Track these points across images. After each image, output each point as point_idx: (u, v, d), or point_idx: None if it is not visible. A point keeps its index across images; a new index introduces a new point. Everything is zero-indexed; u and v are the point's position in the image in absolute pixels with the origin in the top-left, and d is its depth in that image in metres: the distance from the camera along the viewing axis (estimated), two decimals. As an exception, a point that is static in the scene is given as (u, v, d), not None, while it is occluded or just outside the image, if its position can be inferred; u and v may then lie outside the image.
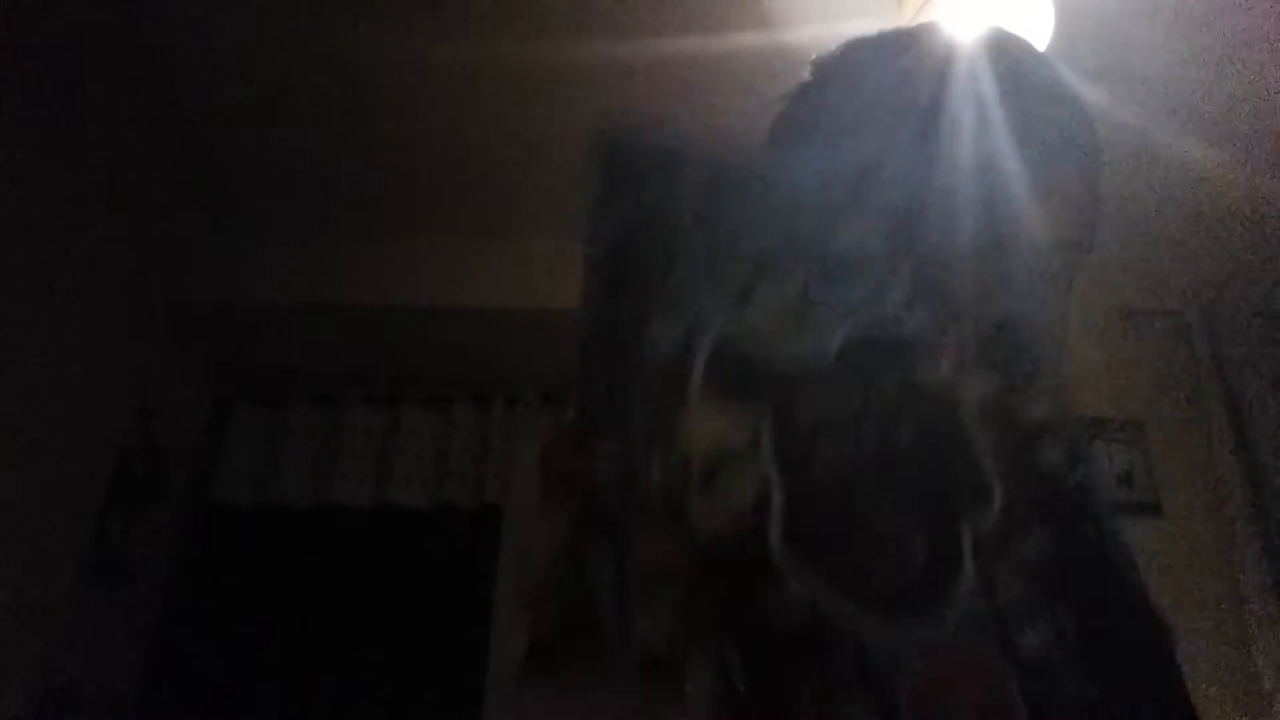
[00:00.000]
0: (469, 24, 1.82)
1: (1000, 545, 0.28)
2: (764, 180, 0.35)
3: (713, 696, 0.27)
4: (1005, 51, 0.51)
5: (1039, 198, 0.46)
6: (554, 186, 2.26)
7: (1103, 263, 2.37)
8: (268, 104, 2.03)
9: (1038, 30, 1.59)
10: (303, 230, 2.38)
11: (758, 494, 0.28)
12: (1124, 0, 1.74)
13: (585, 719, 0.30)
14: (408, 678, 2.31)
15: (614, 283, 0.33)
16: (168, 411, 2.27)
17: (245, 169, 2.23)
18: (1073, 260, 0.51)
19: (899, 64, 0.51)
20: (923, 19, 1.62)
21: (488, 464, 2.44)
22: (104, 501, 2.02)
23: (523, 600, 0.32)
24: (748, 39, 1.84)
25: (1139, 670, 0.32)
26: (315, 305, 2.35)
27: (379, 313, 2.36)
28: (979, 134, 0.46)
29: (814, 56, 0.57)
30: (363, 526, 2.44)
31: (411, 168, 2.21)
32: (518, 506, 0.66)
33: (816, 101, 0.54)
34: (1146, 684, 0.33)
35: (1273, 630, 1.94)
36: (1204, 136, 2.02)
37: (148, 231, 2.14)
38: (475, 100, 2.01)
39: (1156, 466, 2.12)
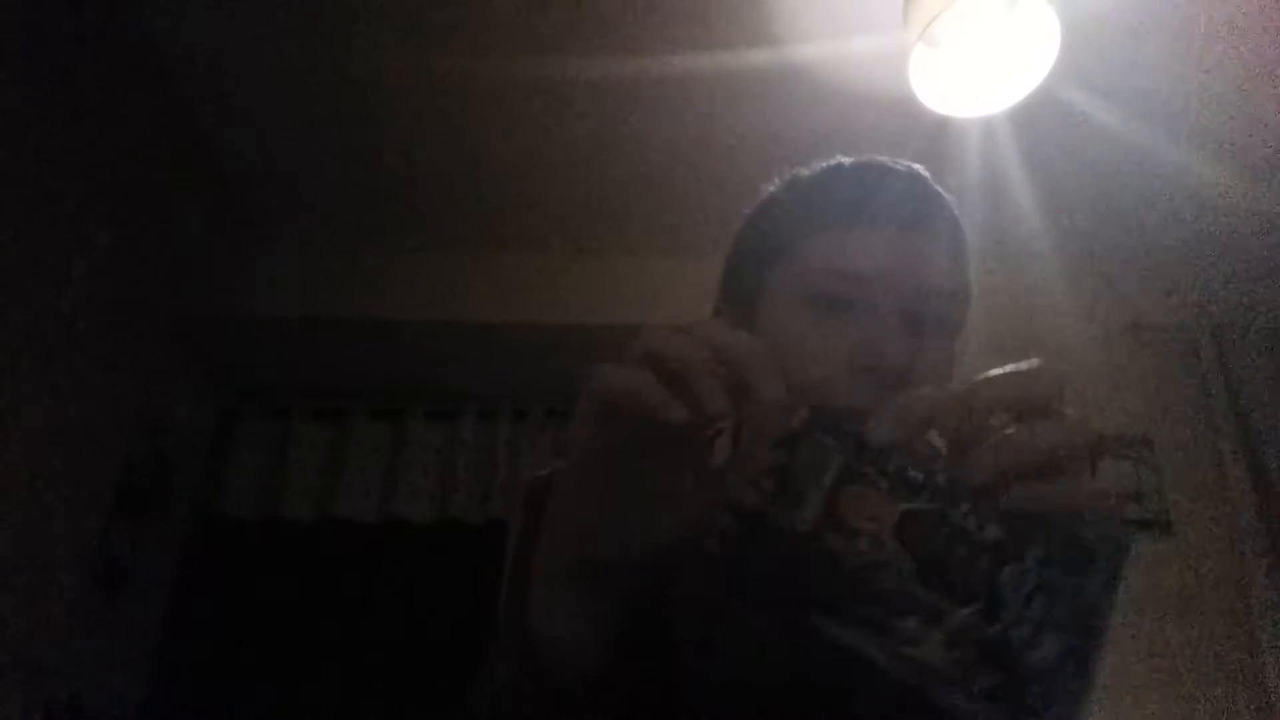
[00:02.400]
0: (475, 36, 1.84)
1: None
2: None
3: None
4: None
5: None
6: (558, 199, 2.28)
7: (1112, 279, 2.37)
8: (274, 116, 2.05)
9: (1044, 49, 1.59)
10: (308, 243, 2.39)
11: None
12: (1130, 19, 1.74)
13: None
14: (411, 692, 2.29)
15: None
16: (173, 423, 2.27)
17: (251, 181, 2.24)
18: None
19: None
20: (928, 39, 1.63)
21: (493, 479, 2.43)
22: (109, 513, 2.02)
23: None
24: (755, 56, 1.85)
25: None
26: (321, 318, 2.35)
27: (384, 326, 2.36)
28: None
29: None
30: (367, 541, 2.43)
31: (417, 180, 2.22)
32: None
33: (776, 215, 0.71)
34: None
35: (1284, 648, 1.92)
36: (1211, 153, 2.03)
37: (153, 242, 2.14)
38: (482, 113, 2.02)
39: (1165, 482, 2.11)
